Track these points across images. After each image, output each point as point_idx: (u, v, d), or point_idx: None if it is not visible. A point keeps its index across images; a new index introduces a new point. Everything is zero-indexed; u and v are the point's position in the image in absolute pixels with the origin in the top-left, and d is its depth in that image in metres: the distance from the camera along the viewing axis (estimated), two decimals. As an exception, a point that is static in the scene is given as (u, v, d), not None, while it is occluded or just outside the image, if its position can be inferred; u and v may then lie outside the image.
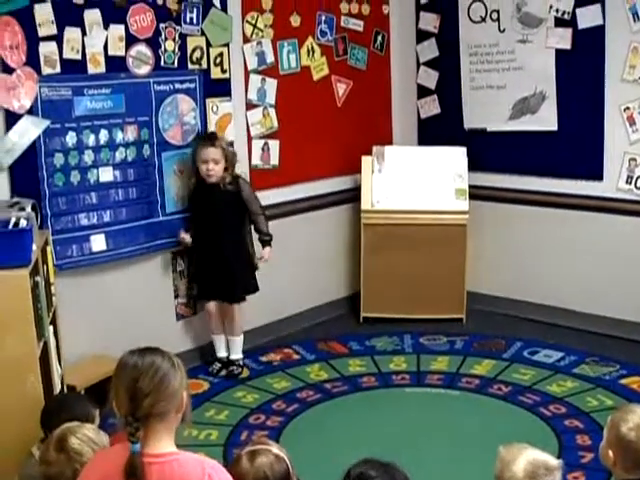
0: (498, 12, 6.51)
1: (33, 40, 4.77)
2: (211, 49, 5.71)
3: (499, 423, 4.92)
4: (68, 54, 4.95)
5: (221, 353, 5.81)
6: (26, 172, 4.81)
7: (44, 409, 3.54)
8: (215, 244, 5.55)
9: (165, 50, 5.44)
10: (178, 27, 5.49)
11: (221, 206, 5.52)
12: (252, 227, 5.73)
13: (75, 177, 5.04)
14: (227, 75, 5.86)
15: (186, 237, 5.59)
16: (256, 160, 6.17)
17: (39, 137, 4.85)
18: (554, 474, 2.63)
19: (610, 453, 2.76)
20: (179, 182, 5.62)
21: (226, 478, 2.45)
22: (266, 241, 5.76)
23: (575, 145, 6.25)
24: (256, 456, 2.67)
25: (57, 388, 4.35)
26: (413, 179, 6.58)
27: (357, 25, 6.74)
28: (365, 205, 6.55)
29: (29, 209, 4.14)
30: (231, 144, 5.73)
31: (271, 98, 6.19)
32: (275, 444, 2.87)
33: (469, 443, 4.71)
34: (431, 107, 7.12)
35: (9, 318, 3.74)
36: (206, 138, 5.50)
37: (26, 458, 3.40)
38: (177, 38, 5.49)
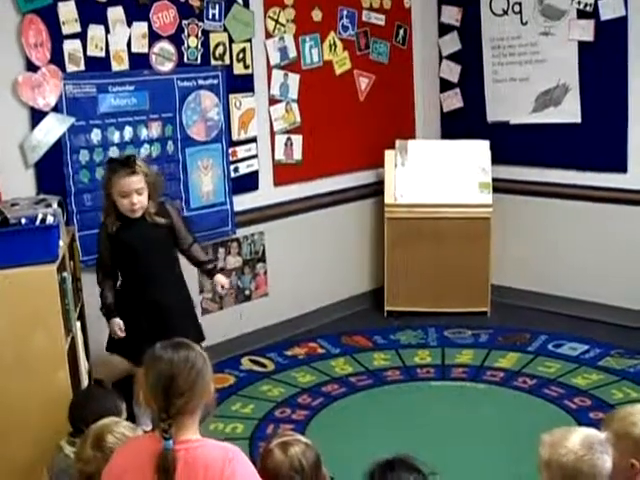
0: (520, 5, 6.49)
1: (57, 38, 4.81)
2: (234, 45, 5.73)
3: (524, 416, 4.91)
4: (92, 51, 4.98)
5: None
6: (52, 169, 4.86)
7: (72, 403, 3.58)
8: (149, 294, 4.55)
9: (188, 46, 5.47)
10: (201, 23, 5.51)
11: (150, 244, 4.52)
12: (188, 260, 4.84)
13: (100, 173, 5.06)
14: (250, 71, 5.88)
15: (117, 328, 4.54)
16: (279, 155, 6.19)
17: (64, 134, 4.89)
18: (608, 448, 2.60)
19: (635, 463, 2.70)
20: (203, 178, 5.64)
21: (247, 462, 2.50)
22: (212, 269, 4.93)
23: (599, 137, 6.22)
24: (288, 446, 2.70)
25: (85, 383, 4.40)
26: (436, 173, 6.57)
27: (379, 19, 6.74)
28: (388, 199, 6.55)
29: (55, 205, 4.16)
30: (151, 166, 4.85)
31: (294, 93, 6.21)
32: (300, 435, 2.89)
33: (494, 436, 4.71)
34: (454, 100, 7.11)
35: (37, 314, 3.78)
36: (123, 164, 4.43)
37: (55, 452, 3.43)
38: (200, 34, 5.52)
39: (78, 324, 4.37)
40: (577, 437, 2.59)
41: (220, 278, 4.91)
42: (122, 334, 4.52)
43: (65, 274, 4.06)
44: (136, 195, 4.41)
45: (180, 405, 2.42)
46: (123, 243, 4.49)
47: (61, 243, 4.06)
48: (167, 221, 4.57)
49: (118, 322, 4.52)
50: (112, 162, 4.57)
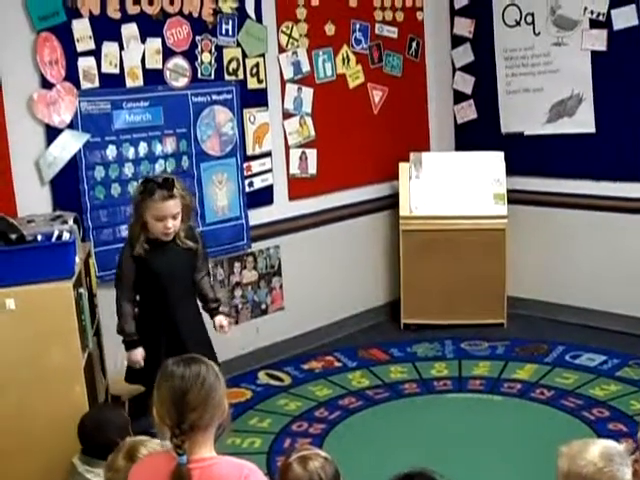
0: (533, 15, 6.50)
1: (72, 55, 4.84)
2: (247, 60, 5.76)
3: (542, 428, 4.89)
4: (106, 68, 5.01)
5: None
6: (67, 185, 4.89)
7: (80, 423, 3.57)
8: (170, 321, 4.31)
9: (202, 62, 5.49)
10: (214, 39, 5.53)
11: (177, 269, 4.30)
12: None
13: (116, 190, 5.10)
14: (263, 85, 5.90)
15: (139, 357, 4.31)
16: (294, 169, 6.20)
17: (79, 151, 4.92)
18: (627, 460, 2.59)
19: None
20: (218, 192, 5.65)
21: (263, 479, 2.48)
22: (216, 308, 4.58)
23: (613, 147, 6.21)
24: (307, 461, 2.69)
25: (101, 399, 4.40)
26: (451, 185, 6.57)
27: (391, 32, 6.76)
28: (403, 211, 6.55)
29: (71, 222, 4.18)
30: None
31: (307, 107, 6.22)
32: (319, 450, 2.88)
33: (512, 448, 4.69)
34: (467, 112, 7.12)
35: (54, 329, 3.79)
36: (161, 187, 4.13)
37: (70, 470, 3.44)
38: (213, 50, 5.54)
39: (94, 340, 4.37)
40: (596, 449, 2.58)
41: (221, 319, 4.54)
42: (142, 364, 4.27)
43: (81, 290, 4.07)
44: (171, 220, 4.16)
45: (193, 420, 2.41)
46: (150, 267, 4.23)
47: (77, 259, 4.07)
48: (195, 246, 4.34)
49: (142, 352, 4.27)
50: (148, 182, 4.18)
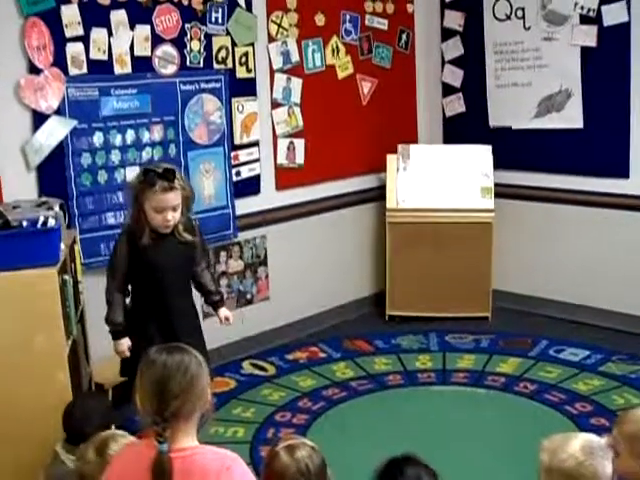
0: (523, 10, 6.49)
1: (60, 41, 4.82)
2: (236, 49, 5.74)
3: (525, 421, 4.91)
4: (95, 55, 4.99)
5: None
6: (54, 172, 4.87)
7: (65, 412, 3.56)
8: (165, 315, 4.18)
9: (191, 50, 5.47)
10: (203, 27, 5.52)
11: (175, 262, 4.16)
12: (194, 285, 4.44)
13: (102, 177, 5.08)
14: (252, 74, 5.88)
15: (124, 347, 4.17)
16: (282, 159, 6.19)
17: (66, 137, 4.90)
18: (608, 454, 2.61)
19: None
20: (205, 181, 5.64)
21: (246, 471, 2.47)
22: (219, 300, 4.52)
23: (601, 143, 6.22)
24: (294, 450, 2.69)
25: (85, 386, 4.40)
26: (438, 177, 6.57)
27: (382, 24, 6.75)
28: (390, 204, 6.55)
29: (57, 208, 4.17)
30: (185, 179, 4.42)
31: (296, 97, 6.21)
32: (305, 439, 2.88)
33: (495, 441, 4.71)
34: (456, 105, 7.12)
35: (38, 316, 3.78)
36: (162, 178, 3.99)
37: (52, 458, 3.44)
38: (202, 38, 5.52)
39: (79, 327, 4.36)
40: (577, 443, 2.59)
41: (226, 312, 4.49)
42: (128, 354, 4.14)
43: (66, 277, 4.06)
44: (171, 212, 4.02)
45: (174, 408, 2.40)
46: (146, 259, 4.08)
47: (62, 246, 4.05)
48: (194, 239, 4.22)
49: (128, 342, 4.15)
50: (148, 172, 4.02)
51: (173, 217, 4.03)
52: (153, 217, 4.02)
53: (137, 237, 4.06)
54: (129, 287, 4.24)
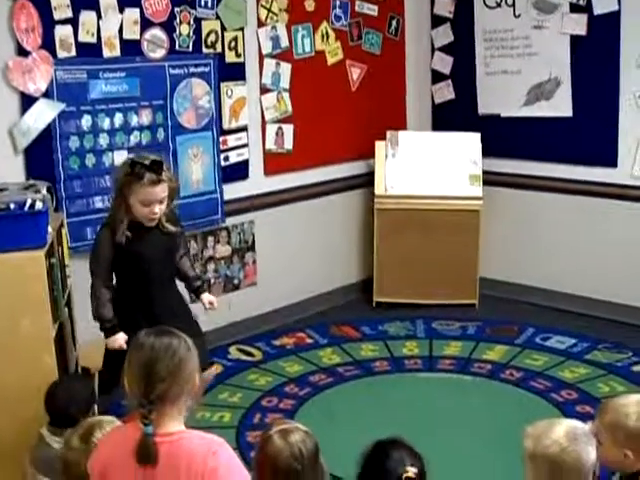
0: (513, -3, 6.50)
1: (49, 23, 4.79)
2: (226, 33, 5.72)
3: (511, 409, 4.93)
4: (83, 37, 4.96)
5: None
6: (41, 155, 4.84)
7: (47, 393, 3.56)
8: (152, 307, 4.08)
9: (180, 34, 5.45)
10: (193, 11, 5.49)
11: (160, 254, 4.09)
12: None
13: (90, 160, 5.06)
14: (242, 59, 5.86)
15: (122, 341, 3.99)
16: (270, 144, 6.18)
17: (54, 120, 4.87)
18: (592, 440, 2.62)
19: (629, 453, 2.70)
20: (193, 166, 5.62)
21: (232, 456, 2.47)
22: (200, 286, 4.41)
23: (589, 131, 6.23)
24: (288, 434, 2.68)
25: (72, 370, 4.39)
26: (427, 164, 6.58)
27: (372, 10, 6.73)
28: (379, 190, 6.55)
29: (44, 191, 4.15)
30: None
31: (285, 82, 6.19)
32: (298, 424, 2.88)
33: (481, 428, 4.73)
34: (445, 92, 7.11)
35: (25, 299, 3.77)
36: (150, 170, 3.88)
37: (38, 440, 3.44)
38: (192, 22, 5.50)
39: (66, 311, 4.35)
40: (561, 429, 2.60)
41: (209, 296, 4.38)
42: (125, 347, 3.83)
43: (53, 260, 4.04)
44: (158, 205, 3.93)
45: (161, 391, 2.40)
46: (131, 252, 3.98)
47: (50, 229, 4.04)
48: (177, 230, 4.16)
49: (123, 336, 3.97)
50: (135, 165, 3.89)
51: (160, 210, 3.95)
52: (139, 210, 3.92)
53: (111, 231, 3.96)
54: (113, 281, 4.11)
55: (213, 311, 4.43)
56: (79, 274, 4.65)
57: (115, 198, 4.02)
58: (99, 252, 4.02)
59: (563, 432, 2.58)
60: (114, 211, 4.02)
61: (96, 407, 3.61)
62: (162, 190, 3.91)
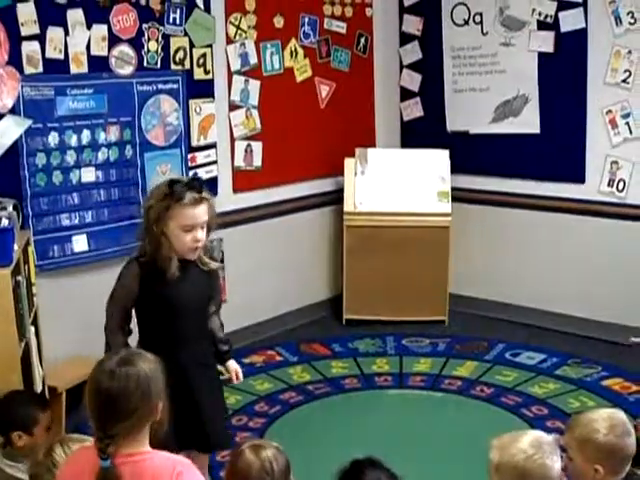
0: (481, 15, 6.53)
1: (15, 39, 4.75)
2: (194, 50, 5.70)
3: (481, 424, 4.91)
4: (51, 54, 4.93)
5: None
6: (8, 172, 4.78)
7: None
8: (180, 362, 3.37)
9: (148, 50, 5.42)
10: (161, 27, 5.47)
11: (197, 297, 3.49)
12: None
13: (57, 177, 5.02)
14: (210, 76, 5.85)
15: None
16: (239, 161, 6.16)
17: (21, 137, 4.82)
18: (557, 450, 2.62)
19: (599, 468, 2.69)
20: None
21: (197, 476, 2.42)
22: (228, 351, 3.81)
23: (557, 148, 6.27)
24: (260, 449, 2.67)
25: (39, 389, 4.33)
26: (396, 181, 6.58)
27: (340, 27, 6.75)
28: (348, 207, 6.54)
29: (10, 209, 4.11)
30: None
31: (254, 99, 6.18)
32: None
33: (451, 444, 4.71)
34: (414, 110, 7.13)
35: (-10, 317, 3.72)
36: (191, 188, 3.36)
37: None
38: (160, 38, 5.48)
39: (32, 329, 4.30)
40: (526, 439, 2.61)
41: (236, 366, 3.86)
42: None
43: (19, 278, 4.00)
44: (200, 230, 3.36)
45: (119, 427, 2.29)
46: (168, 295, 3.38)
47: (15, 247, 3.99)
48: (218, 265, 3.62)
49: None
50: (174, 184, 3.35)
51: (202, 238, 3.39)
52: (179, 239, 3.33)
53: (160, 269, 3.35)
54: (131, 326, 3.54)
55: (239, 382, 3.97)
56: (45, 292, 4.62)
57: (150, 231, 3.37)
58: (120, 290, 3.48)
59: (528, 442, 2.59)
60: (152, 247, 3.37)
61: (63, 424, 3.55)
62: (204, 212, 3.37)
